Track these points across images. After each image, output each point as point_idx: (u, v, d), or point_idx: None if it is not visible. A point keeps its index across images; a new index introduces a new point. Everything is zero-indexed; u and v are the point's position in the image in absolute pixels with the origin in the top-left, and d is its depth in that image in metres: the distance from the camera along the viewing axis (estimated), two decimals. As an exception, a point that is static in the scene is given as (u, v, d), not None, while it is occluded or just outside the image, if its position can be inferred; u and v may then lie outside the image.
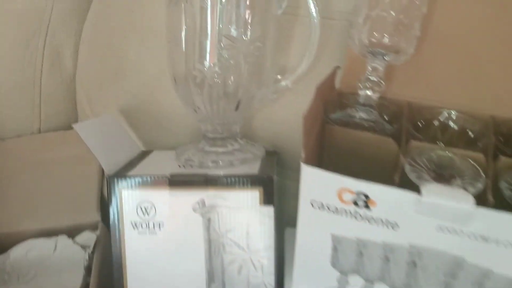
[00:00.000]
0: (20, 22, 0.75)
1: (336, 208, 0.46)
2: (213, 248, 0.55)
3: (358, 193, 0.44)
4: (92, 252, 0.63)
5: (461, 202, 0.41)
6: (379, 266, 0.47)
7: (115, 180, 0.54)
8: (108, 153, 0.58)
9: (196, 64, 0.57)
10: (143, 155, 0.65)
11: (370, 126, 0.53)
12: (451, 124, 0.55)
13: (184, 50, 0.57)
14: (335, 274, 0.49)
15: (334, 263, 0.49)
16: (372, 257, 0.47)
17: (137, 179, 0.54)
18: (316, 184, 0.46)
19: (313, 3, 0.59)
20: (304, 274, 0.51)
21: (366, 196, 0.44)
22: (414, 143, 0.50)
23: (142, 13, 0.68)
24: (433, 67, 0.57)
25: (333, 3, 0.63)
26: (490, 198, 0.43)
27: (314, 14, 0.59)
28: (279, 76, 0.63)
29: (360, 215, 0.45)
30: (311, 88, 0.64)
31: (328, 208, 0.46)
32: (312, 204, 0.47)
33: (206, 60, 0.57)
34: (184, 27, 0.56)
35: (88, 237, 0.65)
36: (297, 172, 0.68)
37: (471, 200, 0.41)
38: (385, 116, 0.57)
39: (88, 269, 0.61)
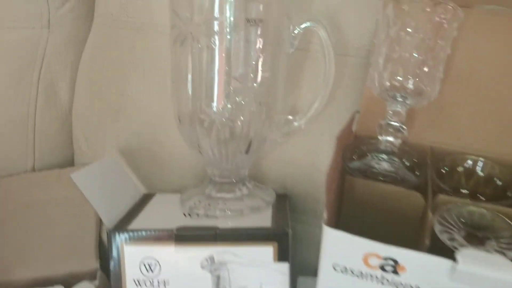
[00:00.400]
0: (13, 54, 0.71)
1: (361, 273, 0.42)
2: (223, 308, 0.51)
3: (386, 258, 0.40)
4: (91, 305, 0.59)
5: (502, 271, 0.37)
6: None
7: (116, 234, 0.50)
8: (107, 203, 0.53)
9: (203, 106, 0.53)
10: (145, 200, 0.61)
11: (392, 176, 0.49)
12: (477, 171, 0.52)
13: (190, 91, 0.53)
14: None
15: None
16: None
17: (140, 233, 0.50)
18: (340, 248, 0.42)
19: (328, 39, 0.56)
20: None
21: (395, 261, 0.40)
22: (442, 198, 0.46)
23: (144, 47, 0.64)
24: (456, 110, 0.54)
25: (347, 38, 0.60)
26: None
27: (329, 50, 0.56)
28: (290, 117, 0.59)
29: (388, 280, 0.41)
30: (323, 128, 0.60)
31: (352, 272, 0.42)
32: (334, 268, 0.43)
33: (214, 103, 0.53)
34: (190, 68, 0.53)
35: (86, 288, 0.61)
36: (308, 215, 0.64)
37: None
38: (406, 162, 0.53)
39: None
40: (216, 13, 0.50)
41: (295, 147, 0.62)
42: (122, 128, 0.65)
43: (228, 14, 0.50)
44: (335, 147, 0.45)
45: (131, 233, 0.50)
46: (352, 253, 0.41)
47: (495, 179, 0.51)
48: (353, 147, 0.53)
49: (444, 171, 0.52)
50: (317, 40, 0.60)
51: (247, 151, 0.56)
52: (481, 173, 0.52)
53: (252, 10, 0.51)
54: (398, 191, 0.47)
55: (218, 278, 0.50)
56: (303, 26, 0.55)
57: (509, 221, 0.43)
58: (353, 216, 0.50)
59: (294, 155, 0.62)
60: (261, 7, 0.51)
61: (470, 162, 0.52)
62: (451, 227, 0.43)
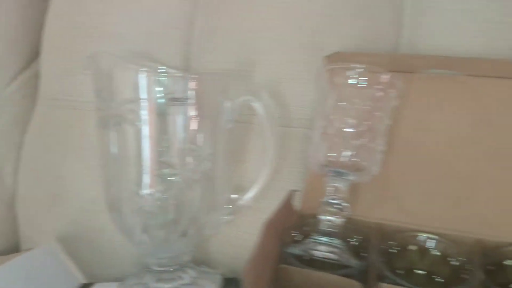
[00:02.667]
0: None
1: None
2: None
3: None
4: None
5: None
6: None
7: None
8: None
9: (133, 191, 0.49)
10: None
11: (332, 262, 0.44)
12: (431, 249, 0.47)
13: (118, 176, 0.50)
14: None
15: None
16: None
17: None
18: None
19: (265, 112, 0.53)
20: None
21: None
22: (382, 287, 0.41)
23: (81, 127, 0.61)
24: (404, 183, 0.50)
25: (290, 110, 0.57)
26: None
27: (266, 123, 0.53)
28: (233, 195, 0.55)
29: None
30: (272, 205, 0.56)
31: None
32: None
33: (144, 187, 0.49)
34: (116, 151, 0.49)
35: None
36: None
37: None
38: (352, 243, 0.48)
39: None
40: (140, 93, 0.47)
41: (242, 227, 0.58)
42: (61, 213, 0.61)
43: (152, 93, 0.47)
44: (261, 236, 0.40)
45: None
46: None
47: (450, 258, 0.46)
48: (295, 229, 0.49)
49: (395, 251, 0.47)
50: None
51: (184, 235, 0.52)
52: (436, 252, 0.47)
53: (178, 88, 0.48)
54: (336, 280, 0.42)
55: None
56: (239, 100, 0.53)
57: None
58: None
59: (241, 235, 0.58)
60: (188, 85, 0.48)
61: (422, 240, 0.47)
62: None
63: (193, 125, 0.50)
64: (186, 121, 0.50)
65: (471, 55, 0.53)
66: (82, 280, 0.59)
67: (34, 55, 0.74)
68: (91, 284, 0.58)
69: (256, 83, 0.57)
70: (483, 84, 0.50)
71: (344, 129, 0.46)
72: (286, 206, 0.48)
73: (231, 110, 0.53)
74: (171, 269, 0.53)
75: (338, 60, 0.54)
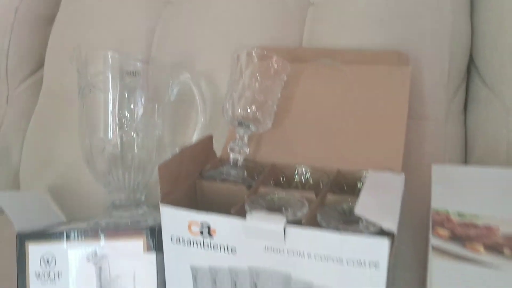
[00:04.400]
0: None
1: (189, 240, 0.55)
2: (104, 294, 0.63)
3: (202, 223, 0.53)
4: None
5: (275, 223, 0.50)
6: (231, 292, 0.55)
7: (22, 235, 0.64)
8: (23, 217, 0.68)
9: (99, 139, 0.70)
10: (61, 223, 0.75)
11: (234, 180, 0.63)
12: (308, 178, 0.66)
13: (90, 129, 0.70)
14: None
15: (197, 295, 0.56)
16: (224, 284, 0.55)
17: (40, 234, 0.64)
18: (172, 220, 0.55)
19: (199, 92, 0.74)
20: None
21: (208, 226, 0.53)
22: (262, 189, 0.60)
23: (69, 112, 0.83)
24: (293, 135, 0.69)
25: (222, 91, 0.78)
26: (304, 220, 0.52)
27: (199, 98, 0.74)
28: (177, 149, 0.75)
29: (207, 244, 0.54)
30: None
31: (183, 240, 0.55)
32: (171, 239, 0.56)
33: (107, 135, 0.69)
34: (89, 112, 0.70)
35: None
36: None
37: (283, 221, 0.50)
38: (255, 176, 0.68)
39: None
40: (103, 68, 0.68)
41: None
42: (50, 171, 0.81)
43: (111, 68, 0.68)
44: (176, 153, 0.60)
45: (33, 234, 0.64)
46: (180, 223, 0.55)
47: (320, 183, 0.65)
48: (216, 165, 0.68)
49: (282, 180, 0.66)
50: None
51: (136, 178, 0.71)
52: (311, 180, 0.66)
53: (130, 65, 0.69)
54: (231, 187, 0.61)
55: (100, 268, 0.63)
56: (178, 80, 0.74)
57: (304, 200, 0.57)
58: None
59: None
60: (138, 64, 0.70)
61: (302, 171, 0.66)
62: (260, 206, 0.56)
63: (141, 93, 0.71)
64: (140, 90, 0.70)
65: (346, 48, 0.74)
66: (64, 219, 0.78)
67: (39, 65, 0.97)
68: (71, 221, 0.77)
69: (196, 72, 0.79)
70: (350, 68, 0.71)
71: (246, 93, 0.66)
72: (203, 144, 0.67)
73: (174, 87, 0.74)
74: (129, 203, 0.73)
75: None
